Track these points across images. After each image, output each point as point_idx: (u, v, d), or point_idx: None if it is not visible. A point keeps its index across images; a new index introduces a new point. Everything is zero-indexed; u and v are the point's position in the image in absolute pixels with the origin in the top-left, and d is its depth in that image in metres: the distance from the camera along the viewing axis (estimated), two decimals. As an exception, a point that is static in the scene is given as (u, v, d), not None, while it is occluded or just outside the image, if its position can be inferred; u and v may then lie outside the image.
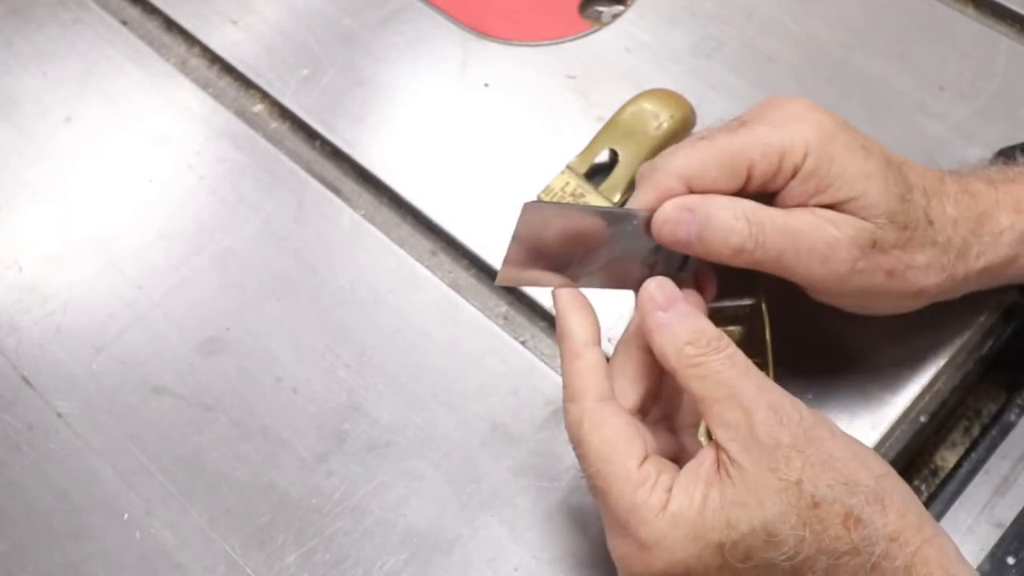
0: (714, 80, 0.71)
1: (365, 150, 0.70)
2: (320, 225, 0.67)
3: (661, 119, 0.66)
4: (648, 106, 0.67)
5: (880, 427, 0.58)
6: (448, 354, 0.62)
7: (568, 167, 0.66)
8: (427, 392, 0.60)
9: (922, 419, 0.59)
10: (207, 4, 0.77)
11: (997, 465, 0.59)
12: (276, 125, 0.73)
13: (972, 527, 0.58)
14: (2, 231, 0.68)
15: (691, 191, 0.51)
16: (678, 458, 0.50)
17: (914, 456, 0.62)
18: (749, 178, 0.51)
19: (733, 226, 0.50)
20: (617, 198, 0.65)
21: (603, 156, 0.67)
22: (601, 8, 0.78)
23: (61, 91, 0.73)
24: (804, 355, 0.58)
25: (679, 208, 0.51)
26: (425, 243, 0.67)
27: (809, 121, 0.52)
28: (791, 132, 0.51)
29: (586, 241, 0.51)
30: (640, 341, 0.51)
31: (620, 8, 0.77)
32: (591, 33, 0.75)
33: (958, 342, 0.60)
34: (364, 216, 0.67)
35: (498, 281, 0.52)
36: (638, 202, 0.52)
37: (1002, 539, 0.57)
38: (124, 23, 0.77)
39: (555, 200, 0.65)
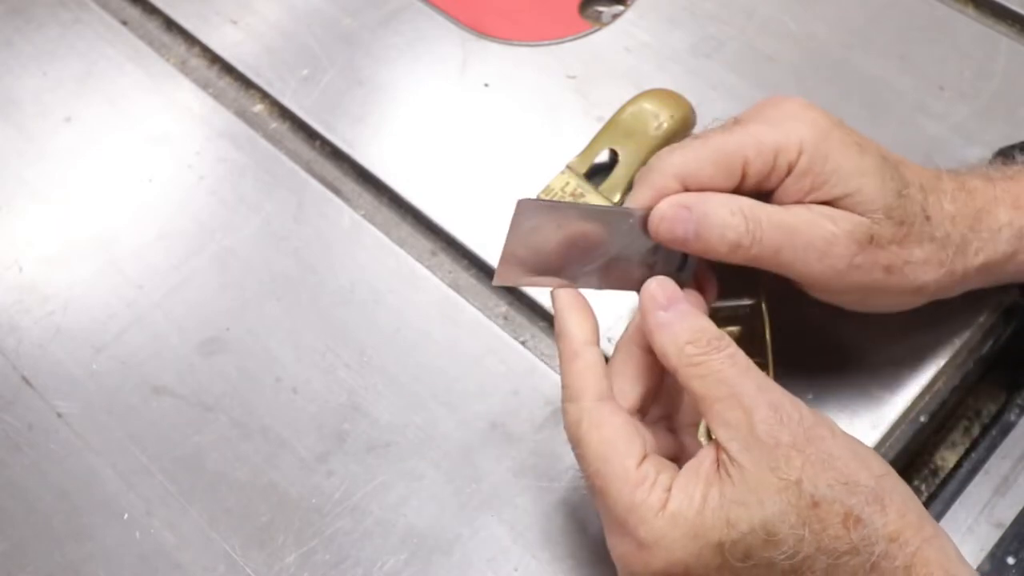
0: (714, 80, 0.71)
1: (365, 150, 0.70)
2: (320, 225, 0.67)
3: (661, 119, 0.66)
4: (648, 106, 0.67)
5: (880, 427, 0.58)
6: (448, 354, 0.62)
7: (568, 167, 0.66)
8: (427, 392, 0.60)
9: (922, 419, 0.59)
10: (207, 4, 0.77)
11: (997, 465, 0.59)
12: (276, 125, 0.73)
13: (972, 527, 0.58)
14: (2, 231, 0.68)
15: (687, 190, 0.51)
16: (677, 458, 0.50)
17: (914, 456, 0.62)
18: (744, 176, 0.51)
19: (730, 222, 0.50)
20: (617, 198, 0.65)
21: (603, 156, 0.67)
22: (601, 8, 0.78)
23: (61, 91, 0.73)
24: (804, 355, 0.58)
25: (676, 205, 0.51)
26: (425, 243, 0.67)
27: (803, 119, 0.52)
28: (786, 130, 0.51)
29: (583, 240, 0.51)
30: (640, 341, 0.51)
31: (620, 8, 0.77)
32: (591, 33, 0.75)
33: (958, 342, 0.60)
34: (364, 216, 0.67)
35: (495, 281, 0.52)
36: (635, 202, 0.52)
37: (1002, 539, 0.57)
38: (124, 23, 0.77)
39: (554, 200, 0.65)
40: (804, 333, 0.58)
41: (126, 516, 0.57)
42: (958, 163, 0.59)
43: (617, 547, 0.48)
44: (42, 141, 0.71)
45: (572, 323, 0.50)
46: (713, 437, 0.47)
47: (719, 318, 0.53)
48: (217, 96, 0.73)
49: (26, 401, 0.61)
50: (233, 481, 0.58)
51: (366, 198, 0.69)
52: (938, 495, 0.59)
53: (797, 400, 0.47)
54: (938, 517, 0.58)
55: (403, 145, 0.70)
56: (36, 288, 0.65)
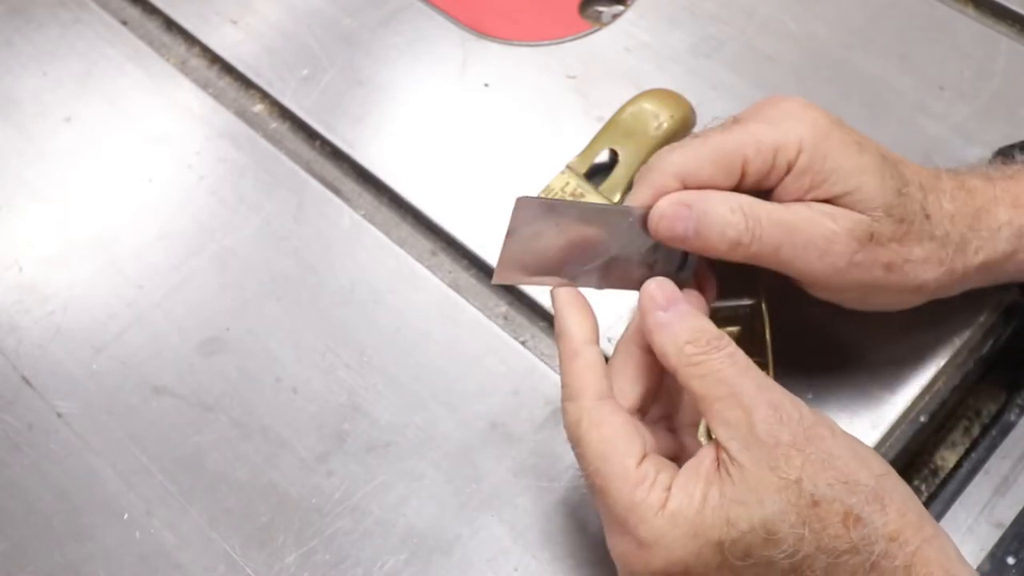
0: (714, 80, 0.71)
1: (365, 150, 0.70)
2: (320, 225, 0.67)
3: (661, 119, 0.66)
4: (648, 106, 0.67)
5: (880, 427, 0.58)
6: (448, 354, 0.62)
7: (568, 167, 0.66)
8: (427, 392, 0.60)
9: (922, 419, 0.59)
10: (207, 4, 0.77)
11: (997, 465, 0.59)
12: (276, 125, 0.73)
13: (972, 527, 0.58)
14: (2, 231, 0.68)
15: (687, 189, 0.51)
16: (677, 457, 0.50)
17: (914, 456, 0.62)
18: (744, 175, 0.51)
19: (729, 219, 0.50)
20: (617, 198, 0.65)
21: (603, 156, 0.67)
22: (601, 8, 0.78)
23: (61, 91, 0.73)
24: (804, 355, 0.58)
25: (675, 203, 0.51)
26: (425, 243, 0.67)
27: (803, 118, 0.52)
28: (785, 129, 0.51)
29: (582, 239, 0.51)
30: (640, 341, 0.51)
31: (620, 8, 0.77)
32: (591, 33, 0.75)
33: (958, 342, 0.60)
34: (364, 216, 0.67)
35: (494, 280, 0.52)
36: (635, 200, 0.52)
37: (1002, 539, 0.57)
38: (124, 23, 0.77)
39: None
40: (804, 333, 0.58)
41: (126, 516, 0.57)
42: (958, 163, 0.59)
43: (617, 546, 0.48)
44: (42, 141, 0.71)
45: (572, 322, 0.50)
46: (713, 436, 0.47)
47: (719, 318, 0.53)
48: (217, 96, 0.73)
49: (26, 401, 0.61)
50: (233, 481, 0.58)
51: (366, 198, 0.69)
52: (938, 495, 0.59)
53: (797, 399, 0.47)
54: (938, 517, 0.58)
55: (403, 145, 0.70)
56: (36, 288, 0.65)
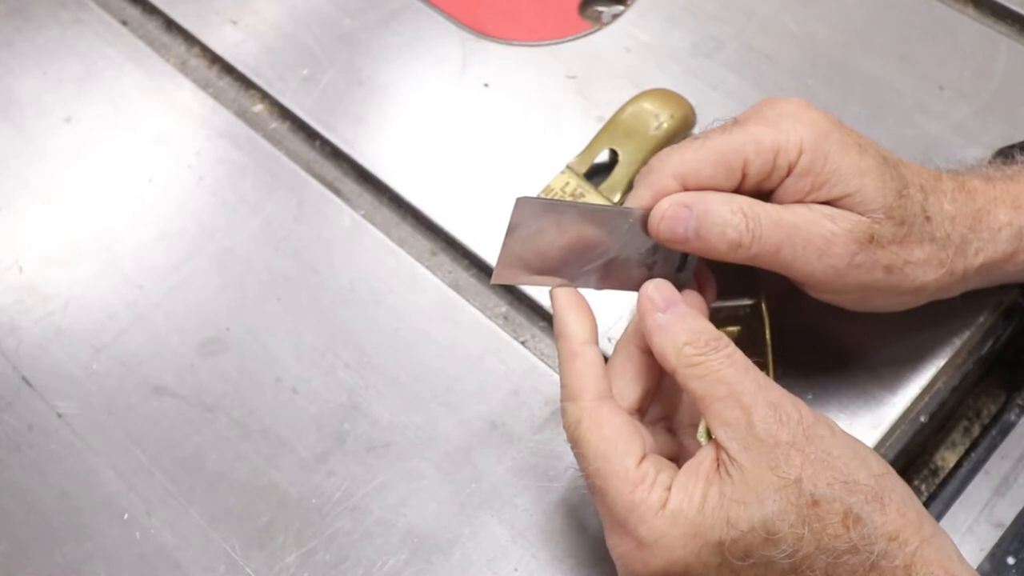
0: (714, 80, 0.71)
1: (365, 150, 0.70)
2: (320, 225, 0.67)
3: (661, 119, 0.66)
4: (648, 106, 0.67)
5: (880, 427, 0.58)
6: (448, 354, 0.62)
7: (568, 167, 0.66)
8: (427, 392, 0.60)
9: (922, 419, 0.59)
10: (207, 4, 0.77)
11: (997, 465, 0.59)
12: (276, 125, 0.73)
13: (972, 527, 0.58)
14: (2, 231, 0.68)
15: (687, 190, 0.51)
16: (676, 458, 0.50)
17: (914, 456, 0.62)
18: (744, 176, 0.51)
19: (730, 220, 0.50)
20: (617, 198, 0.65)
21: (603, 156, 0.67)
22: (601, 8, 0.78)
23: (61, 91, 0.73)
24: (804, 355, 0.58)
25: (676, 204, 0.51)
26: (425, 243, 0.67)
27: (803, 119, 0.52)
28: (785, 130, 0.51)
29: (582, 239, 0.51)
30: (639, 342, 0.51)
31: (620, 8, 0.77)
32: (591, 33, 0.75)
33: (958, 342, 0.60)
34: (364, 216, 0.67)
35: (494, 279, 0.52)
36: (635, 201, 0.52)
37: (1002, 539, 0.57)
38: (124, 23, 0.77)
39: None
40: (804, 333, 0.58)
41: (126, 516, 0.57)
42: (958, 163, 0.59)
43: (617, 546, 0.48)
44: (42, 141, 0.71)
45: (571, 322, 0.50)
46: (712, 437, 0.47)
47: (719, 318, 0.53)
48: (217, 96, 0.73)
49: (26, 401, 0.61)
50: (233, 481, 0.58)
51: (366, 198, 0.69)
52: (938, 495, 0.59)
53: (796, 399, 0.47)
54: (938, 517, 0.58)
55: (403, 145, 0.70)
56: (36, 288, 0.65)
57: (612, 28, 0.75)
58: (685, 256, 0.53)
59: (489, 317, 0.63)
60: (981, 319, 0.61)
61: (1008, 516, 0.58)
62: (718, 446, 0.47)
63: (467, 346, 0.62)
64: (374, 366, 0.61)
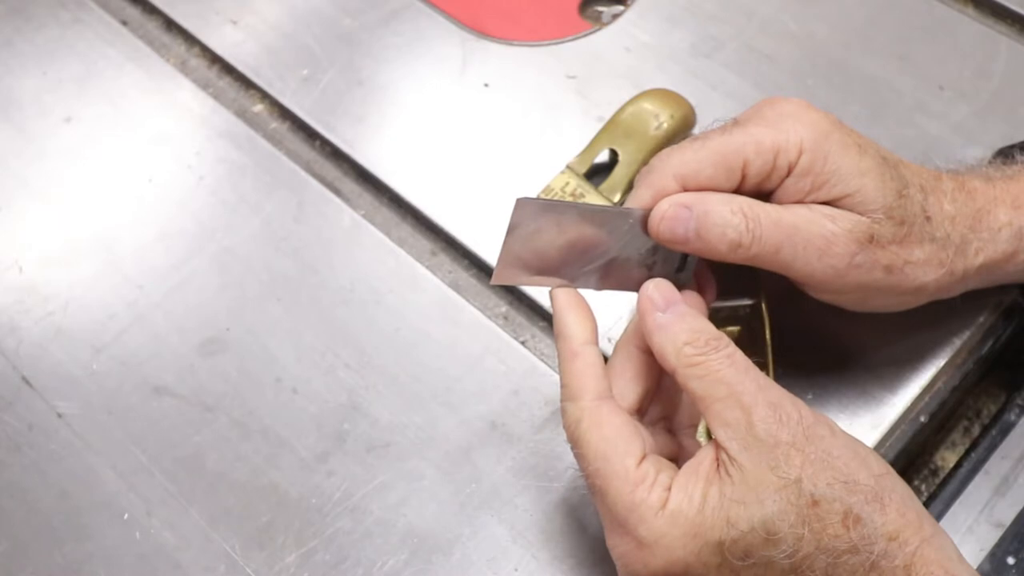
0: (714, 80, 0.71)
1: (365, 150, 0.70)
2: (320, 225, 0.67)
3: (661, 119, 0.66)
4: (648, 106, 0.67)
5: (880, 427, 0.58)
6: (448, 354, 0.62)
7: (568, 167, 0.66)
8: (427, 392, 0.60)
9: (922, 419, 0.59)
10: (207, 4, 0.77)
11: (997, 465, 0.59)
12: (276, 125, 0.73)
13: (972, 527, 0.58)
14: (2, 231, 0.68)
15: (687, 191, 0.51)
16: (676, 458, 0.50)
17: (914, 456, 0.62)
18: (744, 177, 0.51)
19: (730, 221, 0.50)
20: (617, 198, 0.65)
21: (603, 156, 0.67)
22: (601, 8, 0.78)
23: (61, 91, 0.73)
24: (804, 355, 0.58)
25: (676, 205, 0.51)
26: (425, 243, 0.67)
27: (803, 120, 0.52)
28: (785, 130, 0.51)
29: (582, 240, 0.51)
30: (639, 342, 0.51)
31: (620, 8, 0.77)
32: (591, 33, 0.75)
33: (958, 342, 0.60)
34: (364, 216, 0.67)
35: (493, 280, 0.52)
36: (635, 202, 0.52)
37: (1002, 539, 0.57)
38: (124, 23, 0.77)
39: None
40: (804, 333, 0.58)
41: (126, 516, 0.57)
42: (958, 163, 0.59)
43: (617, 546, 0.48)
44: (42, 141, 0.71)
45: (571, 322, 0.50)
46: (712, 437, 0.47)
47: (719, 318, 0.53)
48: (217, 96, 0.73)
49: (26, 401, 0.61)
50: (233, 481, 0.58)
51: (366, 198, 0.69)
52: (938, 495, 0.59)
53: (796, 399, 0.47)
54: (938, 517, 0.58)
55: (403, 145, 0.70)
56: (36, 288, 0.65)
57: (612, 28, 0.75)
58: (685, 256, 0.53)
59: (489, 317, 0.63)
60: (981, 319, 0.61)
61: (1008, 516, 0.58)
62: (718, 446, 0.47)
63: (467, 346, 0.62)
64: (374, 366, 0.61)
